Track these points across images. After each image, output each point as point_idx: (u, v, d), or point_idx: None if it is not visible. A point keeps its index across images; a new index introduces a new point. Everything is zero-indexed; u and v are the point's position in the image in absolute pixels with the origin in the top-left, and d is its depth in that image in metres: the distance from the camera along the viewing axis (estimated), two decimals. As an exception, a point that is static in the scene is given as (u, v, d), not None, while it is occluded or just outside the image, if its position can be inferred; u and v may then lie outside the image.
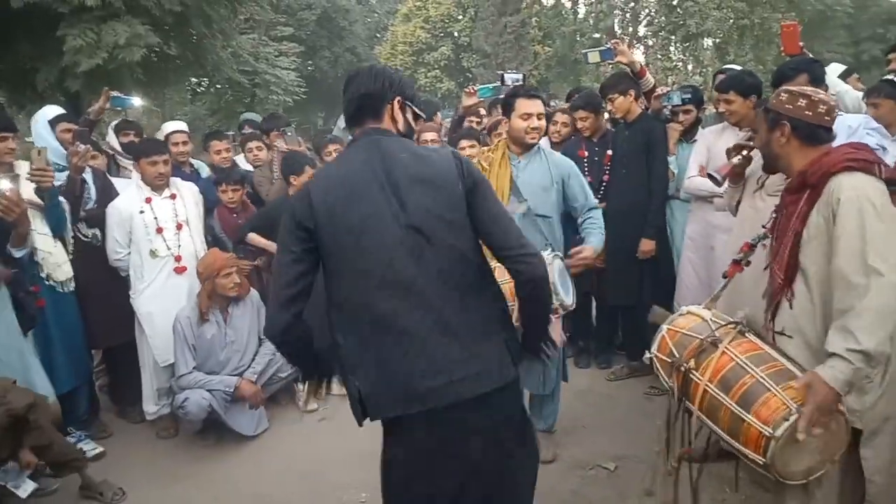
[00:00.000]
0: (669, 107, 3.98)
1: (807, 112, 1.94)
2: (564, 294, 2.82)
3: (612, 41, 4.20)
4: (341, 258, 1.81)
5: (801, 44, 3.39)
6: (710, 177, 2.77)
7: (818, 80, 2.86)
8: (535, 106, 3.07)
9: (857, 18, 22.79)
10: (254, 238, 4.13)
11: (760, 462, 1.79)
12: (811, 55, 3.40)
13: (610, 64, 5.30)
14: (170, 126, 4.70)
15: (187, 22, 8.96)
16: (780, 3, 19.28)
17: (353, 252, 1.78)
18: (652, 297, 3.90)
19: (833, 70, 4.02)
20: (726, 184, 2.81)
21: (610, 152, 4.18)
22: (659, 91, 4.18)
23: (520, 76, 4.32)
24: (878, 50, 19.15)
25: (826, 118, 1.95)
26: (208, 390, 3.61)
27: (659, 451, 2.18)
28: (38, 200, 3.35)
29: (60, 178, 3.51)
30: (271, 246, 4.02)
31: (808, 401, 1.71)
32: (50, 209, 3.39)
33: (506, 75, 4.23)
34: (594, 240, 3.13)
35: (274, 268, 1.92)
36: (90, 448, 3.57)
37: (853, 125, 2.72)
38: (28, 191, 3.30)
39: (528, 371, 3.09)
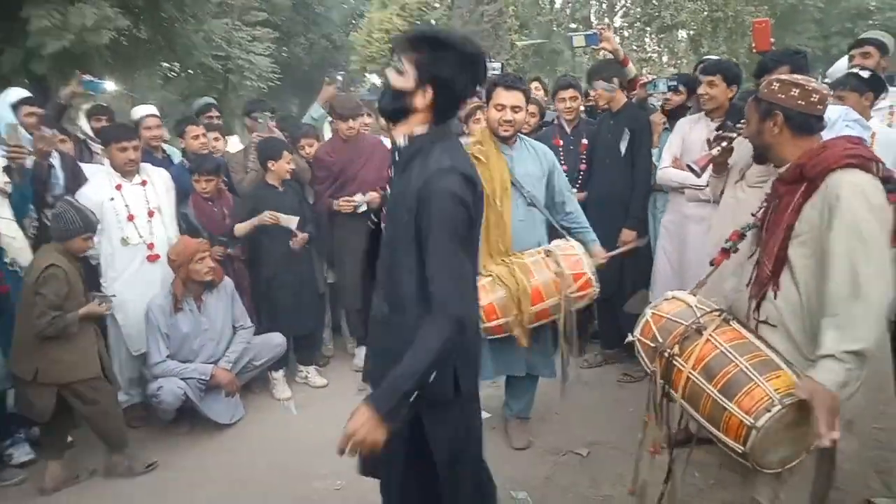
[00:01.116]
0: (655, 95, 3.99)
1: (800, 101, 1.93)
2: (595, 281, 3.03)
3: (599, 27, 4.20)
4: (475, 233, 1.88)
5: (772, 40, 3.43)
6: (690, 168, 2.79)
7: (800, 72, 2.90)
8: (511, 97, 3.02)
9: (827, 13, 23.12)
10: (240, 228, 4.06)
11: (739, 450, 1.81)
12: (776, 49, 3.45)
13: (593, 50, 5.30)
14: (141, 110, 4.60)
15: (158, 5, 8.76)
16: (752, -4, 19.49)
17: (477, 228, 1.88)
18: (631, 289, 3.98)
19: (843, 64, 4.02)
20: (706, 175, 2.82)
21: (585, 141, 4.21)
22: (644, 79, 4.19)
23: (497, 65, 4.26)
24: (846, 44, 19.48)
25: (818, 107, 1.95)
26: (183, 378, 3.57)
27: (641, 438, 2.20)
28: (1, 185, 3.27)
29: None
30: (262, 219, 3.97)
31: (817, 409, 1.69)
32: (19, 188, 3.31)
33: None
34: (594, 238, 3.32)
35: (448, 257, 1.72)
36: (24, 453, 3.39)
37: (832, 117, 2.77)
38: None
39: (541, 356, 3.21)
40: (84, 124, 4.52)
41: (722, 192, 2.91)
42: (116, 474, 3.27)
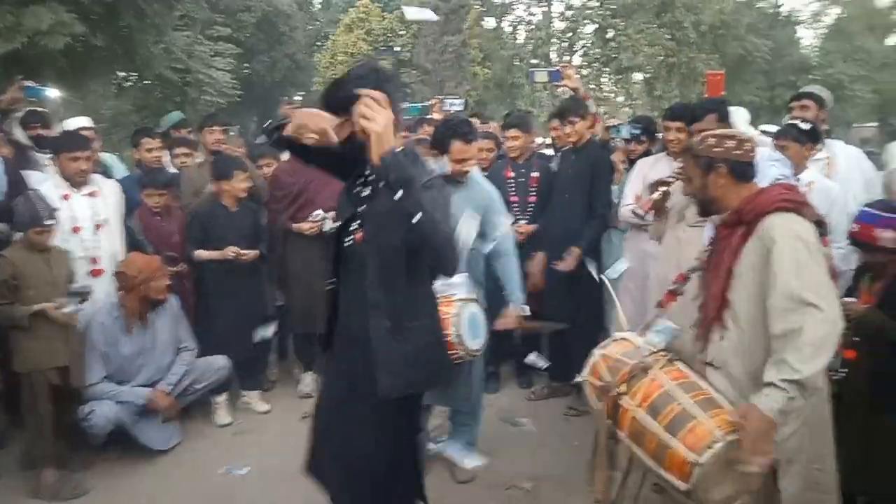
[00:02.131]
0: (618, 139, 4.08)
1: (736, 151, 2.03)
2: (471, 340, 2.85)
3: (561, 64, 4.31)
4: None
5: (723, 92, 3.58)
6: (634, 213, 2.88)
7: (724, 119, 3.05)
8: (471, 151, 3.02)
9: (773, 65, 24.38)
10: (201, 255, 3.97)
11: (683, 488, 1.82)
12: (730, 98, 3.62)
13: (554, 87, 5.44)
14: (74, 122, 4.47)
15: (117, 13, 8.60)
16: (705, 44, 20.40)
17: None
18: (584, 321, 4.03)
19: (740, 116, 4.24)
20: (649, 217, 2.92)
21: (536, 174, 4.30)
22: (610, 123, 4.30)
23: (461, 102, 4.26)
24: (790, 96, 20.54)
25: (752, 154, 2.06)
26: (118, 402, 3.43)
27: (589, 479, 2.19)
28: None
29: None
30: (225, 254, 3.91)
31: (746, 431, 1.74)
32: None
33: (446, 100, 4.17)
34: (517, 298, 3.18)
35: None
36: None
37: (757, 158, 2.91)
38: None
39: (453, 386, 3.12)
40: (18, 132, 4.32)
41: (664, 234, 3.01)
42: (43, 493, 3.14)
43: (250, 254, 4.00)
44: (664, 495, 2.08)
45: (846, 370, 2.43)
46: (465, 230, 3.00)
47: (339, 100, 1.91)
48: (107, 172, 4.40)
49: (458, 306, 2.90)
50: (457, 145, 2.98)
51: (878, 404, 2.46)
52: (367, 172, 2.02)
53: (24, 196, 3.24)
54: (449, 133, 3.02)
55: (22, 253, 3.19)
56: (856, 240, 2.55)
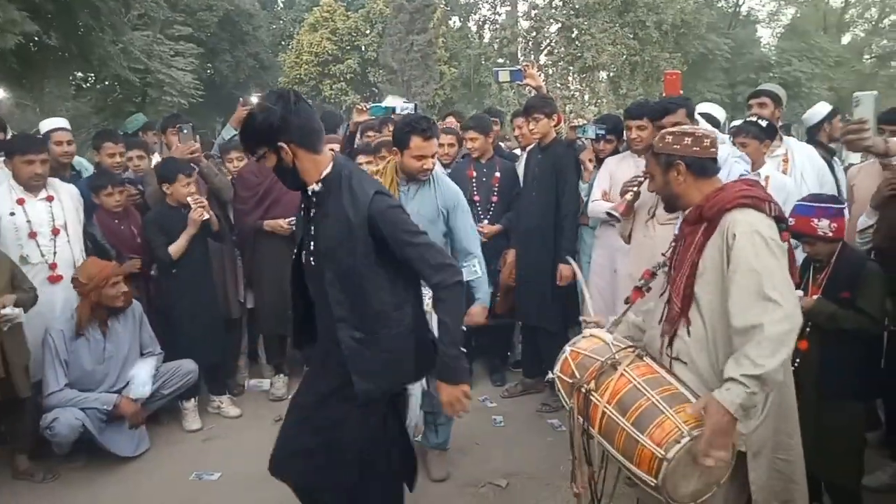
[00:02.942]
0: (583, 139, 4.10)
1: (695, 148, 2.05)
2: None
3: (523, 63, 4.33)
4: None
5: (681, 91, 3.65)
6: (610, 214, 2.92)
7: (692, 115, 3.14)
8: (431, 147, 2.99)
9: (733, 63, 24.94)
10: (175, 248, 3.82)
11: (652, 483, 1.84)
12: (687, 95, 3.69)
13: (519, 85, 5.45)
14: (50, 123, 4.29)
15: (72, 12, 8.36)
16: (667, 43, 20.74)
17: None
18: (556, 318, 4.05)
19: (720, 113, 4.32)
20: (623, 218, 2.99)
21: (498, 174, 4.31)
22: (575, 123, 4.33)
23: (411, 106, 4.17)
24: (748, 94, 21.05)
25: (712, 150, 2.08)
26: (82, 409, 3.33)
27: (571, 475, 2.20)
28: None
29: None
30: (193, 222, 3.82)
31: (705, 424, 1.76)
32: None
33: (398, 104, 4.10)
34: (482, 296, 3.15)
35: (424, 242, 2.09)
36: None
37: (723, 155, 2.96)
38: None
39: (426, 390, 3.11)
40: None
41: (631, 232, 3.04)
42: (22, 476, 3.30)
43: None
44: (637, 489, 2.10)
45: (798, 360, 2.50)
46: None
47: (254, 137, 2.00)
48: (80, 175, 4.26)
49: (429, 304, 2.88)
50: (416, 141, 2.95)
51: (826, 391, 2.55)
52: (310, 192, 2.08)
53: None
54: (408, 129, 2.98)
55: None
56: (796, 232, 2.62)
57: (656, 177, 2.14)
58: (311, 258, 2.13)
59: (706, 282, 1.98)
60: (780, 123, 3.99)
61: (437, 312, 2.11)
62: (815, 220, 2.62)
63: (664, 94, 3.80)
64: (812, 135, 4.58)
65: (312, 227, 2.12)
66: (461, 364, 2.08)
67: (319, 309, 2.19)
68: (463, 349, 2.09)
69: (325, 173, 2.05)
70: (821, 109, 4.63)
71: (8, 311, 3.01)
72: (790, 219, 2.65)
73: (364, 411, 2.13)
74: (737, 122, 4.08)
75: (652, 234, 2.94)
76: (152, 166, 4.39)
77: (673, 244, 2.18)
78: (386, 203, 2.05)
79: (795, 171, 3.69)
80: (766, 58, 26.11)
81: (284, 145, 1.97)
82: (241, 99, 4.67)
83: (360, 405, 2.09)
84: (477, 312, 3.12)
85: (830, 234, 2.61)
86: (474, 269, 3.11)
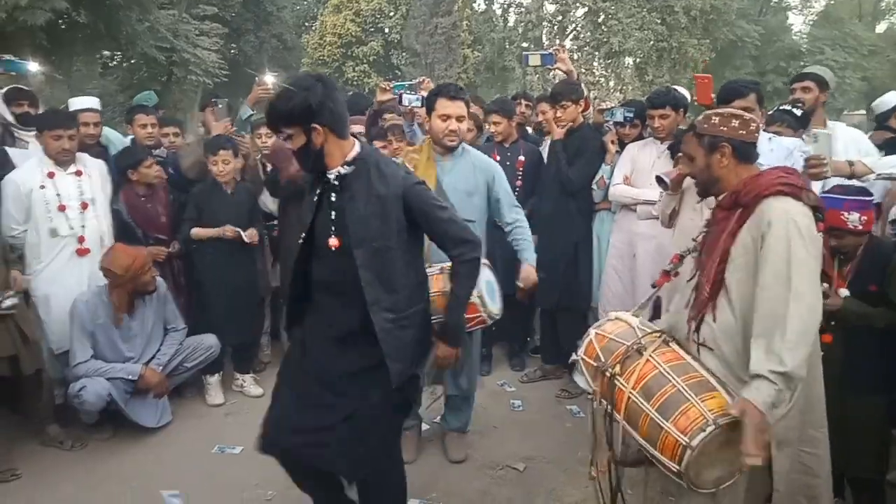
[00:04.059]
0: (611, 122, 4.06)
1: (741, 131, 2.00)
2: (491, 303, 2.86)
3: (554, 47, 4.27)
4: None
5: (712, 95, 3.55)
6: (659, 179, 2.86)
7: (762, 101, 3.06)
8: (455, 108, 2.99)
9: (763, 51, 24.42)
10: (199, 233, 3.88)
11: (675, 469, 1.84)
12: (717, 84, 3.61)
13: (549, 69, 5.35)
14: (79, 102, 4.29)
15: (100, -11, 8.43)
16: (696, 29, 20.39)
17: None
18: (571, 302, 4.04)
19: None
20: (659, 192, 2.92)
21: (522, 158, 4.28)
22: (603, 105, 4.27)
23: (417, 98, 4.03)
24: (781, 82, 20.61)
25: (756, 135, 2.03)
26: (108, 378, 3.40)
27: (591, 459, 2.20)
28: None
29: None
30: (219, 232, 3.86)
31: (745, 426, 1.74)
32: None
33: (404, 96, 3.99)
34: (529, 255, 3.17)
35: (452, 215, 2.21)
36: None
37: (789, 146, 2.89)
38: None
39: (452, 373, 3.12)
40: (2, 109, 4.19)
41: (673, 213, 2.98)
42: (51, 443, 3.39)
43: (249, 233, 3.92)
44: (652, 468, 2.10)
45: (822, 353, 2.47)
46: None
47: (288, 117, 2.01)
48: (107, 149, 4.30)
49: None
50: (441, 101, 2.99)
51: (850, 385, 2.52)
52: (332, 177, 2.10)
53: None
54: (435, 92, 3.05)
55: None
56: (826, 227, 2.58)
57: (697, 158, 2.08)
58: (335, 243, 2.11)
59: (737, 268, 1.95)
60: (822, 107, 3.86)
61: (452, 282, 2.26)
62: (845, 214, 2.55)
63: (695, 98, 3.73)
64: (881, 121, 4.58)
65: (334, 212, 2.11)
66: (463, 332, 2.41)
67: (336, 293, 2.18)
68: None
69: (351, 156, 2.10)
70: (891, 98, 4.66)
71: (9, 302, 3.06)
72: None
73: (388, 392, 2.14)
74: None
75: (701, 218, 2.88)
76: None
77: (705, 229, 2.15)
78: (414, 180, 2.17)
79: (837, 157, 3.59)
80: (797, 46, 25.53)
81: (319, 127, 2.00)
82: (256, 79, 4.61)
83: (395, 386, 2.12)
84: (529, 273, 3.14)
85: (860, 227, 2.55)
86: (520, 236, 3.19)
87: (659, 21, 19.68)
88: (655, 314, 2.76)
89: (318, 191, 2.17)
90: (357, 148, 2.12)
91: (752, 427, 1.73)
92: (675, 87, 4.08)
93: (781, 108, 3.61)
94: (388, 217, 2.07)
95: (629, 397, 1.97)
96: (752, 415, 1.74)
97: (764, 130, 3.16)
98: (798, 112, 3.45)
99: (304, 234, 2.22)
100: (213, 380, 4.03)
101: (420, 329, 2.22)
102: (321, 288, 2.22)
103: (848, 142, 3.69)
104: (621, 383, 2.00)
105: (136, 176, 3.89)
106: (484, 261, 3.00)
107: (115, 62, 17.07)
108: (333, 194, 2.12)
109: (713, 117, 2.05)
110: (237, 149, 4.05)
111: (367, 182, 2.08)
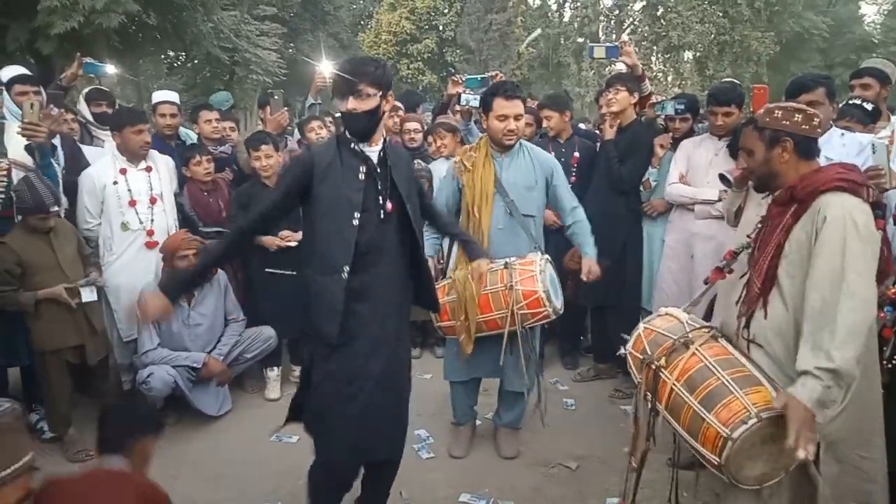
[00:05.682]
0: (662, 116, 3.98)
1: (804, 126, 1.96)
2: (556, 299, 2.85)
3: (620, 41, 4.20)
4: None
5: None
6: (722, 177, 2.80)
7: (832, 95, 2.91)
8: (513, 107, 2.99)
9: (831, 44, 23.39)
10: (266, 241, 3.89)
11: (715, 462, 1.82)
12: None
13: (600, 64, 5.26)
14: (160, 95, 4.55)
15: (168, -9, 8.77)
16: (759, 22, 19.66)
17: None
18: (617, 301, 3.98)
19: None
20: (719, 191, 2.86)
21: (577, 154, 4.24)
22: (654, 99, 4.19)
23: (476, 98, 4.01)
24: (851, 73, 19.66)
25: (819, 130, 1.99)
26: (174, 366, 3.55)
27: (629, 450, 2.19)
28: (26, 161, 3.25)
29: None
30: (281, 243, 3.89)
31: (789, 421, 1.71)
32: (42, 169, 3.28)
33: (463, 95, 3.99)
34: (590, 249, 3.20)
35: None
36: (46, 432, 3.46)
37: (864, 142, 2.79)
38: (16, 150, 3.21)
39: (512, 369, 3.12)
40: (83, 108, 4.46)
41: (738, 209, 2.90)
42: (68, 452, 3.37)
43: (294, 236, 3.89)
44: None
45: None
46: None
47: (383, 78, 2.21)
48: (184, 144, 4.49)
49: (543, 262, 2.95)
50: (498, 101, 3.00)
51: None
52: (380, 152, 2.28)
53: (24, 181, 3.16)
54: (491, 91, 3.07)
55: (23, 239, 3.17)
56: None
57: (756, 153, 2.04)
58: (390, 207, 2.28)
59: (790, 263, 1.92)
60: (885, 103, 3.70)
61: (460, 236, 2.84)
62: None
63: (752, 109, 3.60)
64: None
65: (381, 182, 2.28)
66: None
67: (386, 258, 2.31)
68: None
69: (383, 139, 2.34)
70: None
71: (87, 296, 3.27)
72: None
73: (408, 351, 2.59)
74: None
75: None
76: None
77: (759, 225, 2.11)
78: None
79: None
80: (868, 37, 24.34)
81: (391, 99, 2.28)
82: (316, 68, 4.83)
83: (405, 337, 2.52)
84: (591, 266, 3.18)
85: None
86: (580, 231, 3.22)
87: (721, 13, 19.06)
88: (710, 314, 2.71)
89: (362, 168, 2.27)
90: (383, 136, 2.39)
91: (796, 422, 1.71)
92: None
93: (851, 101, 3.47)
94: (412, 182, 2.42)
95: (672, 389, 1.97)
96: (796, 410, 1.72)
97: (834, 125, 3.05)
98: (869, 106, 3.31)
99: (357, 214, 2.22)
100: (273, 374, 4.12)
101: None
102: (373, 256, 2.27)
103: None
104: (665, 375, 1.99)
105: (188, 172, 4.04)
106: (546, 256, 3.02)
107: (179, 62, 17.71)
108: (378, 168, 2.28)
109: (776, 111, 2.01)
110: (277, 143, 4.13)
111: (393, 155, 2.35)
